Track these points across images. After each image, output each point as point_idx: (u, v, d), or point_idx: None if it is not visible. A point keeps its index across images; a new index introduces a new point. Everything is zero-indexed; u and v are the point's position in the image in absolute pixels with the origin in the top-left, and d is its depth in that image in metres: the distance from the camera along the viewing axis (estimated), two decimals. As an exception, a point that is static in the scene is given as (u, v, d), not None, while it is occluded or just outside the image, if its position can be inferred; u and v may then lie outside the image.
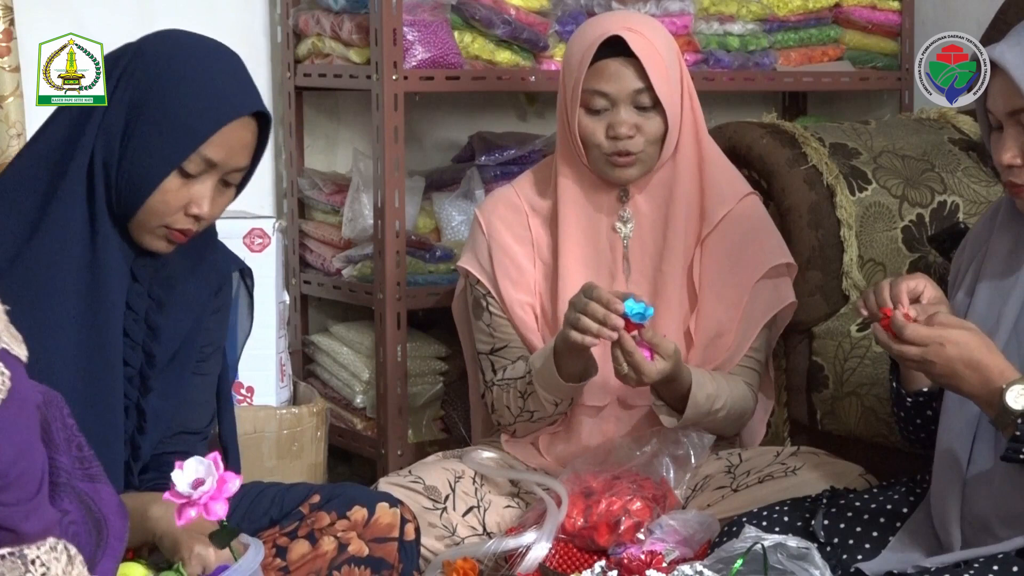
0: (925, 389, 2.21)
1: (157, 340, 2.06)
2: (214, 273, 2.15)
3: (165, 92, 1.97)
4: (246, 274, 2.22)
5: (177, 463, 1.80)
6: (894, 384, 2.26)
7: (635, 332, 2.41)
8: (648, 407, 2.58)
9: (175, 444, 2.15)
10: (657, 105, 2.53)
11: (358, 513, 2.13)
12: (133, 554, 1.94)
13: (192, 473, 1.80)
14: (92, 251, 1.98)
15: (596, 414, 2.61)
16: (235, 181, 2.04)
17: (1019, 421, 1.97)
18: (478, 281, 2.65)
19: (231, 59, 2.05)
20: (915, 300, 2.08)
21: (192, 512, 1.79)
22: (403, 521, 2.16)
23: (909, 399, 2.24)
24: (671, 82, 2.54)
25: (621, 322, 2.37)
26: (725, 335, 2.61)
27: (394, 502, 2.18)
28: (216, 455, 1.81)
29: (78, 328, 1.98)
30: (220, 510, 1.79)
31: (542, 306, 2.65)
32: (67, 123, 2.00)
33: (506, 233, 2.66)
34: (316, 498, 2.15)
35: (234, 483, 1.80)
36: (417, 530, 2.19)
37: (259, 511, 2.15)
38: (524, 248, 2.65)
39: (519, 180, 2.74)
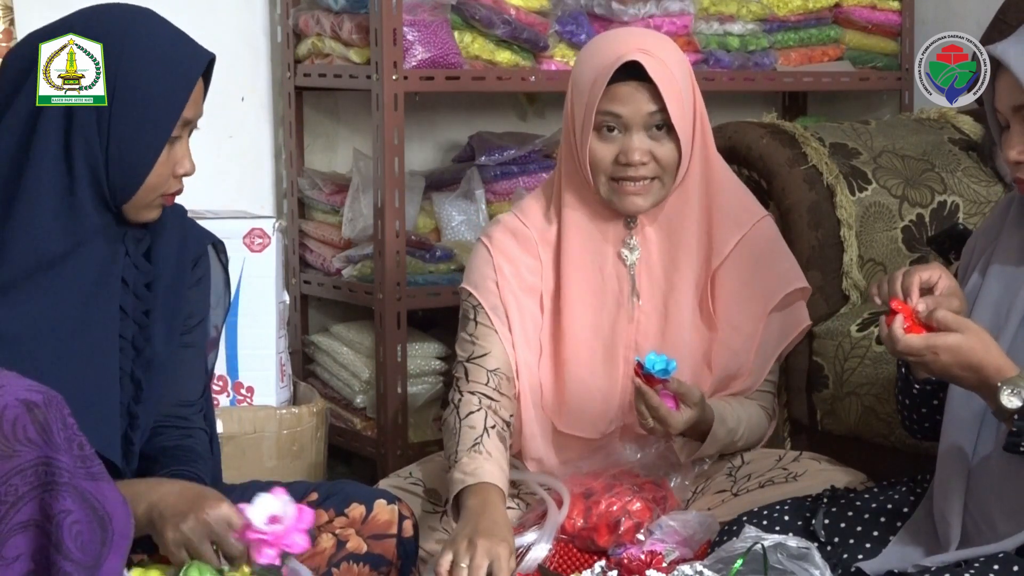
0: (934, 378, 2.21)
1: (147, 311, 2.07)
2: (189, 246, 2.16)
3: (132, 75, 1.97)
4: (219, 248, 2.23)
5: (253, 500, 1.85)
6: (903, 369, 2.26)
7: (659, 385, 2.39)
8: (655, 437, 2.56)
9: (174, 419, 2.16)
10: (670, 130, 2.45)
11: (356, 510, 2.13)
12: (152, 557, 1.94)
13: (267, 509, 1.84)
14: (79, 238, 1.99)
15: (599, 443, 2.58)
16: (195, 126, 2.07)
17: (1015, 417, 1.98)
18: (470, 295, 2.60)
19: (161, 19, 2.06)
20: (929, 290, 2.08)
21: (271, 551, 1.83)
22: (401, 518, 2.17)
23: (917, 385, 2.24)
24: (685, 106, 2.47)
25: None
26: (743, 365, 2.58)
27: (392, 499, 2.18)
28: (311, 512, 1.88)
29: (74, 305, 1.98)
30: (301, 541, 1.84)
31: (541, 341, 2.59)
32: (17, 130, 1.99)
33: (519, 266, 2.56)
34: (314, 496, 2.15)
35: (309, 514, 1.86)
36: (415, 527, 2.19)
37: (257, 510, 2.16)
38: (536, 280, 2.59)
39: (523, 206, 2.63)
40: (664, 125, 2.45)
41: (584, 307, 2.55)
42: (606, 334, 2.54)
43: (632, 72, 2.44)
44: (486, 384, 2.50)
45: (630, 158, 2.44)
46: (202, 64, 2.03)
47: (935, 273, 2.09)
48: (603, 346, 2.54)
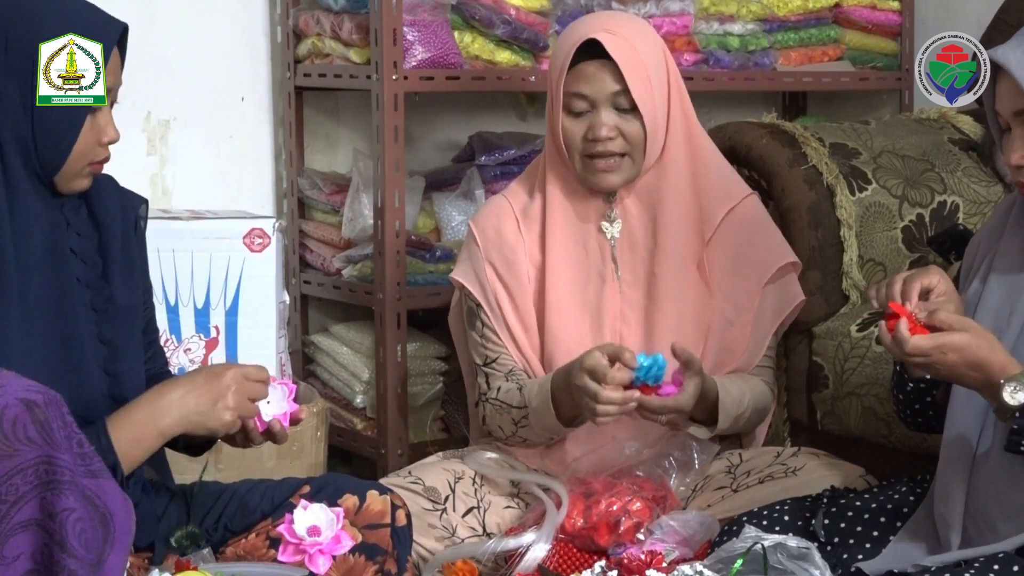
0: (928, 376, 2.21)
1: (99, 274, 2.09)
2: (127, 206, 2.18)
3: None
4: (146, 212, 2.26)
5: (303, 503, 1.97)
6: (898, 367, 2.27)
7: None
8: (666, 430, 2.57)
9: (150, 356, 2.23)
10: (637, 108, 2.52)
11: (349, 501, 2.15)
12: (189, 564, 1.95)
13: (311, 519, 1.94)
14: (20, 217, 2.00)
15: (597, 434, 2.60)
16: (116, 96, 2.08)
17: (1017, 415, 1.98)
18: (469, 294, 2.64)
19: None
20: (926, 296, 2.08)
21: (296, 556, 1.93)
22: (394, 507, 2.18)
23: (911, 384, 2.25)
24: (651, 85, 2.53)
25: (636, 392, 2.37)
26: (738, 339, 2.60)
27: (383, 490, 2.20)
28: (341, 511, 1.98)
29: (29, 283, 2.00)
30: (323, 565, 1.92)
31: (537, 310, 2.63)
32: None
33: (502, 244, 2.63)
34: (306, 489, 2.18)
35: (347, 544, 1.97)
36: (408, 516, 2.21)
37: (251, 506, 2.17)
38: (519, 257, 2.63)
39: (511, 188, 2.72)
40: (630, 104, 2.51)
41: (569, 280, 2.58)
42: (592, 306, 2.58)
43: (598, 52, 2.50)
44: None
45: (596, 134, 2.51)
46: (116, 33, 2.04)
47: (934, 279, 2.09)
48: (591, 318, 2.58)
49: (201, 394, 2.00)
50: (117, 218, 2.14)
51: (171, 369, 2.35)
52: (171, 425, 1.98)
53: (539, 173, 2.66)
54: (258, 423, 2.07)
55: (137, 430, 1.97)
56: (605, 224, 2.61)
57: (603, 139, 2.52)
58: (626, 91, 2.51)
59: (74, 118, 2.00)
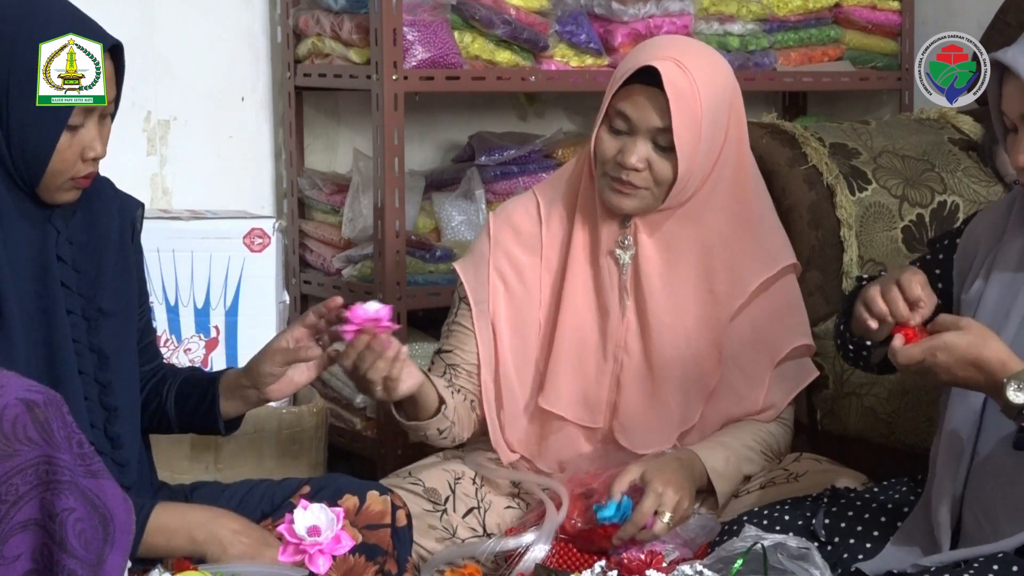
0: (868, 343, 2.21)
1: (91, 281, 2.08)
2: (126, 208, 2.17)
3: (26, 61, 1.95)
4: (142, 214, 2.25)
5: (303, 503, 1.95)
6: (841, 327, 2.31)
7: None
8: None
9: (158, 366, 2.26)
10: (674, 148, 2.42)
11: (349, 501, 2.16)
12: (189, 564, 1.96)
13: (311, 519, 1.94)
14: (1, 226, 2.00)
15: (590, 433, 2.59)
16: (110, 111, 2.05)
17: (1022, 412, 1.97)
18: (463, 284, 2.62)
19: (65, 4, 2.03)
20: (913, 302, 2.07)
21: (296, 556, 1.93)
22: (394, 508, 2.18)
23: (852, 345, 2.28)
24: (700, 132, 2.43)
25: None
26: (748, 412, 2.55)
27: (384, 490, 2.21)
28: (341, 511, 1.96)
29: (14, 292, 2.00)
30: (323, 565, 1.93)
31: (544, 317, 2.60)
32: None
33: (517, 242, 2.60)
34: (306, 489, 2.19)
35: (347, 544, 1.96)
36: (408, 516, 2.21)
37: (251, 505, 2.18)
38: (532, 258, 2.60)
39: (542, 184, 2.66)
40: (669, 144, 2.42)
41: (586, 291, 2.56)
42: (600, 325, 2.55)
43: (658, 79, 2.41)
44: (442, 375, 2.58)
45: (625, 160, 2.44)
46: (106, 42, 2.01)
47: (916, 290, 2.07)
48: (599, 335, 2.55)
49: (247, 538, 2.03)
50: (114, 223, 2.13)
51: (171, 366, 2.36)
52: (204, 542, 2.01)
53: (581, 171, 2.60)
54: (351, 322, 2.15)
55: (177, 523, 2.00)
56: (619, 251, 2.56)
57: (629, 168, 2.43)
58: (669, 130, 2.40)
59: (47, 135, 1.97)
